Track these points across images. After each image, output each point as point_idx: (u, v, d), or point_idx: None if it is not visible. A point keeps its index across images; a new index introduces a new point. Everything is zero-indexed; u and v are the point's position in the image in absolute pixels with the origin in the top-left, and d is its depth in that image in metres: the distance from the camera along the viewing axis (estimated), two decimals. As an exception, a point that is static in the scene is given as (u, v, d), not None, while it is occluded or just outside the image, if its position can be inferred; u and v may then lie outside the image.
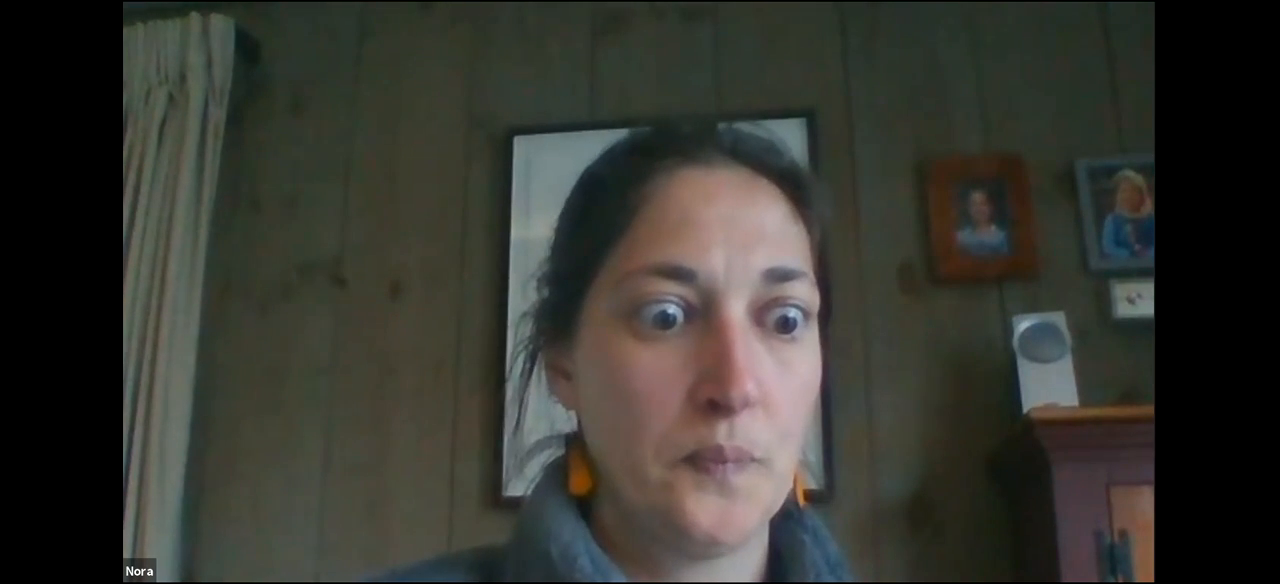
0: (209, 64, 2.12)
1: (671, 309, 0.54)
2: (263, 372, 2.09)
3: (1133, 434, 1.50)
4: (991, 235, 1.96)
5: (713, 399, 0.52)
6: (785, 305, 0.55)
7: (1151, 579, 1.45)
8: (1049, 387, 1.70)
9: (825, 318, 0.59)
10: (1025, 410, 1.65)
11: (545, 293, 0.62)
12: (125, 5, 1.57)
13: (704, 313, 0.54)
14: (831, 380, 1.90)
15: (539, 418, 0.65)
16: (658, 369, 0.53)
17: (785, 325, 0.55)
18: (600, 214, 0.57)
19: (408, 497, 1.98)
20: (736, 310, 0.54)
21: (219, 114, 2.11)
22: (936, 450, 1.88)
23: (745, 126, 0.60)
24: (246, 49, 2.21)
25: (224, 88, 2.12)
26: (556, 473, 0.61)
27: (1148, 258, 1.91)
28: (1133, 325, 1.85)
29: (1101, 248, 1.93)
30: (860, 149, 2.06)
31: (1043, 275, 1.93)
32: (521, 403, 0.65)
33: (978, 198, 1.97)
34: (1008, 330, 1.81)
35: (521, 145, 2.11)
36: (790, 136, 2.05)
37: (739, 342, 0.53)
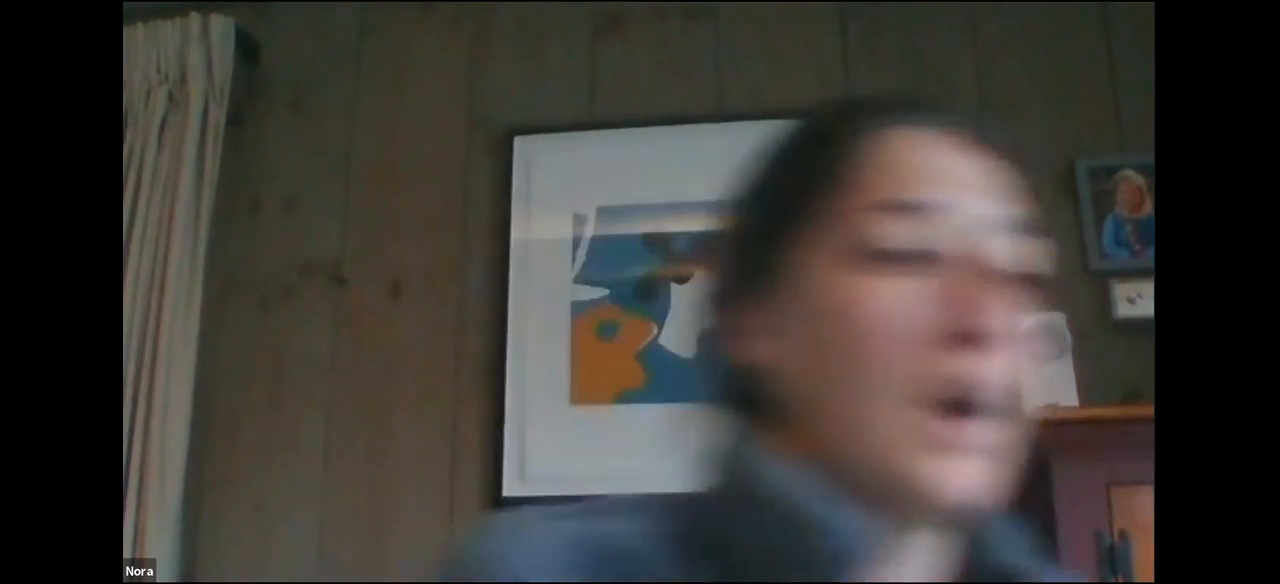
0: (209, 64, 2.12)
1: (910, 244, 0.51)
2: (263, 372, 2.09)
3: (1133, 434, 1.49)
4: (991, 235, 1.95)
5: (964, 332, 0.49)
6: (1025, 262, 0.53)
7: (1151, 579, 1.45)
8: (1049, 387, 1.70)
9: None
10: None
11: (732, 255, 0.58)
12: (125, 5, 1.56)
13: (947, 251, 0.51)
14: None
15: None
16: (899, 304, 0.50)
17: (1026, 282, 0.53)
18: (815, 164, 0.54)
19: (408, 497, 1.97)
20: (985, 248, 0.52)
21: (219, 114, 2.11)
22: (936, 450, 1.88)
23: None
24: (246, 49, 2.20)
25: (224, 88, 2.12)
26: (746, 432, 0.55)
27: (1148, 258, 1.90)
28: (1133, 325, 1.85)
29: (1101, 248, 1.92)
30: (860, 149, 2.05)
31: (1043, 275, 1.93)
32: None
33: (978, 198, 1.97)
34: (1007, 330, 1.81)
35: (521, 145, 2.11)
36: (790, 136, 2.06)
37: (993, 277, 0.50)
